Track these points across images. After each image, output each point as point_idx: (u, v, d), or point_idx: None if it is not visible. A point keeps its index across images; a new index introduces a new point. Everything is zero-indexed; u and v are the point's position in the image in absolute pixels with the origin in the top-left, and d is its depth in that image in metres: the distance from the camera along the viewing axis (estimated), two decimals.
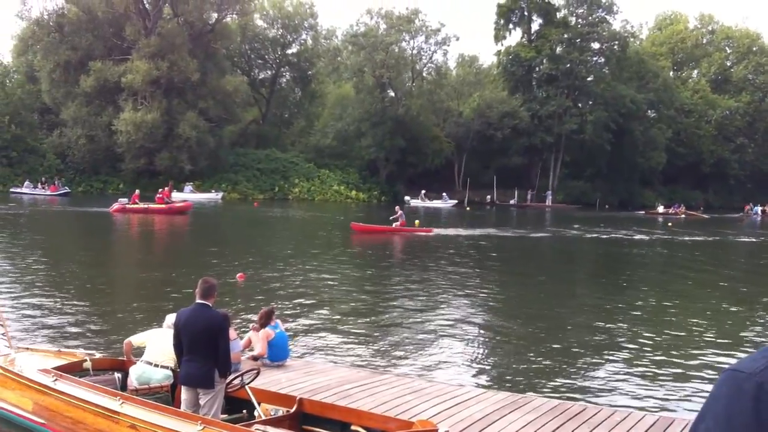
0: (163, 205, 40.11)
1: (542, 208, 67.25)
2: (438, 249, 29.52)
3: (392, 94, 69.01)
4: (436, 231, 36.02)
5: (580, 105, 75.20)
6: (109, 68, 55.84)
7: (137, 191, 42.27)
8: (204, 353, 7.23)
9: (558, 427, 7.63)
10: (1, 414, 8.37)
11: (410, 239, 32.77)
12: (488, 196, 68.73)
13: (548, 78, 72.83)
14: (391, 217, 35.30)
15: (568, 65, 72.33)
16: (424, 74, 71.86)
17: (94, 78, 55.38)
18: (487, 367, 12.06)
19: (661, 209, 64.62)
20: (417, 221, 41.05)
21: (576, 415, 8.09)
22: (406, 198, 63.02)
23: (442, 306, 16.83)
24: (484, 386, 10.16)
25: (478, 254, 29.04)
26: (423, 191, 62.90)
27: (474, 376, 11.23)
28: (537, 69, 73.71)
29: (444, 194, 63.21)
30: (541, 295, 19.50)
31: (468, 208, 59.40)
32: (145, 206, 39.62)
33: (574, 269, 27.22)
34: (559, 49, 73.25)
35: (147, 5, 59.81)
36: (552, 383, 10.81)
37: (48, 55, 58.03)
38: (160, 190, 43.79)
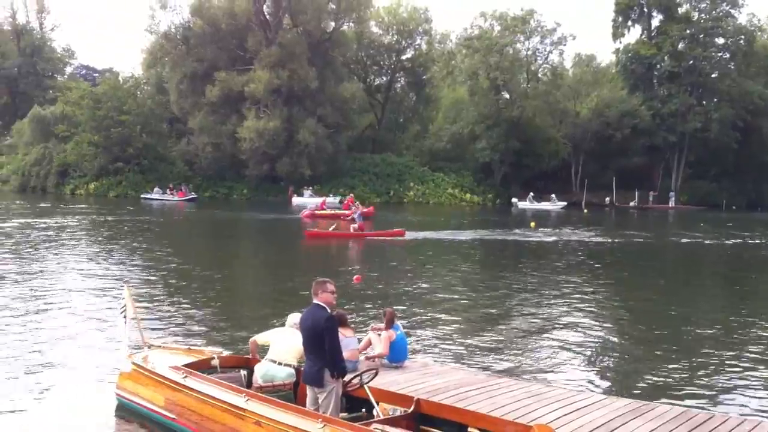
0: (348, 211, 41.85)
1: (665, 209, 64.79)
2: (550, 253, 29.00)
3: (507, 96, 68.29)
4: (547, 234, 35.27)
5: (704, 102, 72.12)
6: (233, 78, 57.98)
7: (325, 198, 46.03)
8: (314, 352, 7.42)
9: None
10: (135, 408, 8.86)
11: (381, 243, 30.54)
12: (607, 198, 66.87)
13: (670, 75, 70.23)
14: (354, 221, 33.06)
15: (691, 62, 69.53)
16: (540, 75, 70.76)
17: (219, 88, 57.64)
18: (610, 373, 11.76)
19: None
20: (533, 223, 40.58)
21: (702, 423, 7.79)
22: (513, 200, 62.29)
23: (560, 310, 16.53)
24: (605, 392, 9.92)
25: (597, 258, 28.31)
26: (531, 193, 61.97)
27: (595, 381, 10.98)
28: (658, 66, 71.22)
29: (552, 196, 61.98)
30: (663, 300, 18.83)
31: (586, 210, 58.02)
32: (332, 212, 42.46)
33: (699, 274, 26.10)
34: (681, 46, 70.50)
35: (268, 16, 61.74)
36: (677, 390, 10.44)
37: (175, 67, 60.91)
38: (348, 196, 47.43)
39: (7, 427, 8.38)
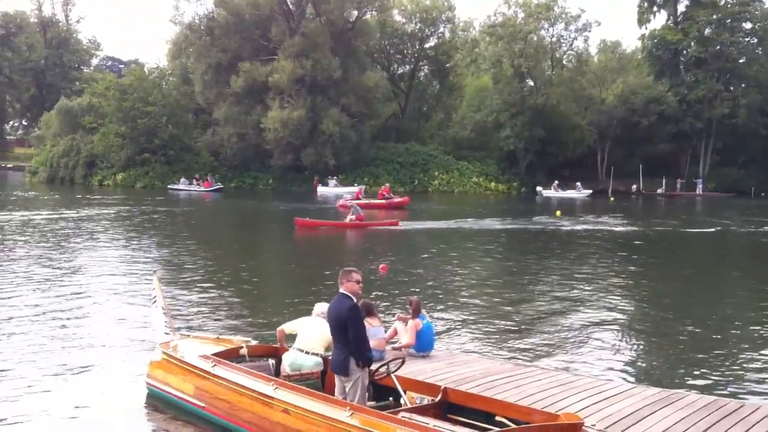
0: (383, 201, 42.21)
1: (692, 196, 64.11)
2: (576, 241, 28.85)
3: (531, 83, 67.79)
4: (571, 222, 35.04)
5: (731, 88, 71.06)
6: (257, 69, 58.11)
7: (361, 187, 46.05)
8: (340, 341, 7.50)
9: (712, 425, 7.33)
10: (165, 397, 8.98)
11: (374, 233, 30.02)
12: (633, 186, 66.25)
13: (696, 61, 69.30)
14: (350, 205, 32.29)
15: (718, 47, 68.50)
16: (565, 62, 70.15)
17: (243, 78, 57.81)
18: (638, 362, 11.71)
19: None
20: (558, 212, 40.35)
21: (732, 412, 7.74)
22: (538, 188, 61.86)
23: (587, 299, 16.46)
24: (634, 381, 9.89)
25: (623, 247, 28.10)
26: (556, 181, 61.51)
27: (623, 370, 10.94)
28: (684, 52, 70.28)
29: (578, 184, 61.46)
30: (692, 289, 18.69)
31: (612, 198, 57.54)
32: (368, 201, 42.37)
33: (728, 262, 25.81)
34: (707, 31, 69.47)
35: (291, 6, 61.73)
36: (707, 379, 10.38)
37: (200, 57, 61.17)
38: (385, 185, 47.03)
39: (40, 415, 8.53)
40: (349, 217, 31.29)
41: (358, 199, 42.75)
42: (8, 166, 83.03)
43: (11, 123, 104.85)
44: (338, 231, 30.39)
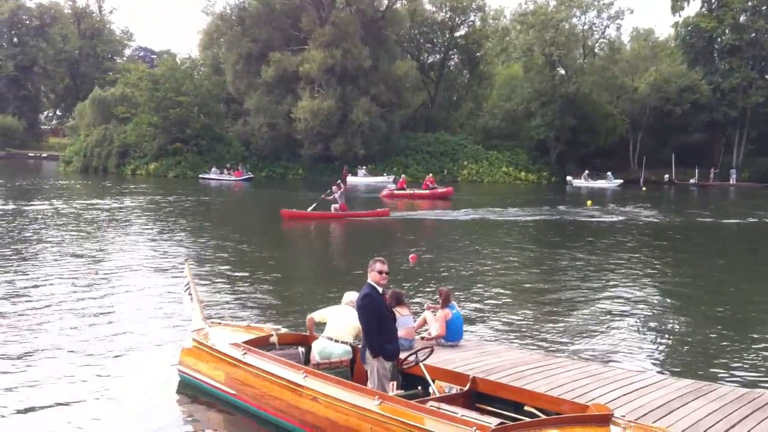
0: (427, 191, 42.02)
1: (726, 186, 63.18)
2: (607, 232, 28.60)
3: (563, 72, 67.13)
4: (605, 212, 34.68)
5: (766, 77, 69.72)
6: (288, 58, 58.26)
7: (403, 176, 45.69)
8: (362, 330, 7.68)
9: (745, 417, 7.26)
10: (196, 384, 9.09)
11: (353, 224, 29.27)
12: (666, 175, 65.43)
13: (731, 49, 68.09)
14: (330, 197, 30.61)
15: (753, 35, 67.23)
16: (596, 50, 69.31)
17: (274, 68, 58.00)
18: (669, 354, 11.61)
19: None
20: (589, 202, 40.01)
21: (765, 405, 7.66)
22: (568, 178, 61.30)
23: (618, 290, 16.34)
24: (665, 373, 9.81)
25: (655, 237, 27.82)
26: (586, 171, 60.89)
27: (654, 362, 10.86)
28: (719, 40, 69.05)
29: (609, 173, 60.78)
30: (724, 281, 18.45)
31: (644, 188, 56.90)
32: (411, 192, 42.22)
33: (761, 254, 25.41)
34: (742, 18, 68.21)
35: None
36: (739, 371, 10.27)
37: (231, 47, 61.44)
38: (429, 175, 46.77)
39: (75, 401, 8.69)
40: (333, 207, 30.27)
41: (402, 188, 42.54)
42: (43, 155, 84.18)
43: (46, 113, 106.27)
44: (324, 222, 29.56)
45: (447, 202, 39.57)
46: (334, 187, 30.57)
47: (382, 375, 7.55)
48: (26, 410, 8.34)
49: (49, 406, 8.43)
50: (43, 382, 9.24)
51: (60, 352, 10.49)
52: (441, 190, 42.91)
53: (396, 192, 41.89)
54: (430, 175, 47.70)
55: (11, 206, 31.28)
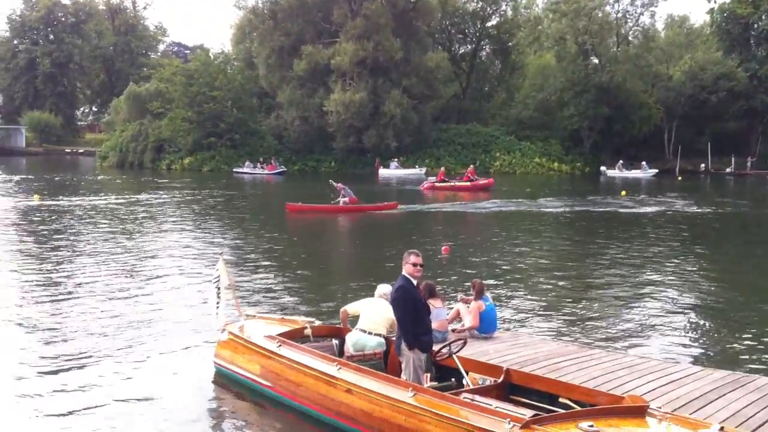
0: (468, 183, 41.96)
1: (762, 175, 62.04)
2: (642, 222, 28.29)
3: (596, 60, 66.41)
4: (637, 204, 34.23)
5: None
6: (319, 52, 58.44)
7: (443, 168, 45.57)
8: (397, 322, 7.71)
9: None
10: (232, 376, 9.19)
11: (374, 217, 28.97)
12: (702, 165, 64.45)
13: None
14: (338, 199, 30.32)
15: None
16: (630, 38, 68.46)
17: (306, 62, 58.20)
18: (706, 345, 11.48)
19: None
20: (624, 192, 39.60)
21: None
22: (602, 168, 60.62)
23: (653, 281, 16.17)
24: (702, 364, 9.70)
25: (691, 227, 27.45)
26: (620, 161, 60.07)
27: (691, 353, 10.74)
28: (755, 26, 67.71)
29: (643, 163, 59.95)
30: (762, 271, 18.16)
31: (679, 178, 56.13)
32: (452, 183, 42.21)
33: None
34: None
35: None
36: None
37: (263, 41, 61.77)
38: (470, 167, 46.47)
39: (113, 392, 8.84)
40: (342, 200, 30.05)
41: (442, 180, 42.36)
42: (79, 151, 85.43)
43: (82, 109, 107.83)
44: (332, 216, 29.23)
45: (488, 193, 39.41)
46: (338, 188, 30.42)
47: (418, 366, 7.58)
48: (63, 399, 8.52)
49: (86, 398, 8.59)
50: (81, 374, 9.41)
51: (97, 344, 10.67)
52: (482, 181, 42.75)
53: (438, 184, 41.66)
54: (472, 166, 47.34)
55: (51, 202, 31.83)
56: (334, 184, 31.01)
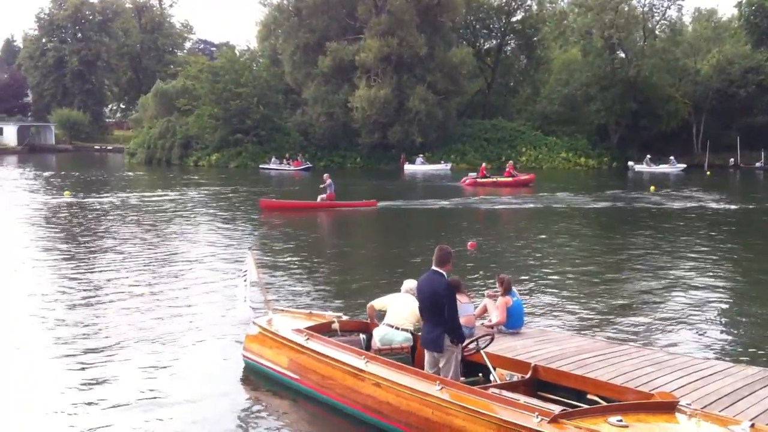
0: (510, 179, 41.66)
1: None
2: (670, 217, 28.02)
3: (622, 55, 65.80)
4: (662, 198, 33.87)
5: None
6: (344, 48, 58.48)
7: (483, 164, 45.06)
8: (433, 318, 7.61)
9: None
10: (260, 369, 9.28)
11: (352, 215, 28.50)
12: (731, 159, 63.62)
13: None
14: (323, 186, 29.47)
15: None
16: (657, 32, 67.65)
17: (331, 58, 58.27)
18: (736, 342, 11.36)
19: None
20: (652, 187, 39.24)
21: None
22: (630, 163, 59.98)
23: (682, 277, 16.03)
24: (733, 361, 9.61)
25: (721, 223, 27.14)
26: (648, 156, 59.35)
27: (721, 350, 10.65)
28: None
29: (671, 158, 59.19)
30: None
31: (708, 173, 55.51)
32: (494, 179, 41.79)
33: None
34: None
35: None
36: None
37: (288, 38, 61.93)
38: (509, 162, 46.10)
39: (143, 385, 8.96)
40: (320, 197, 29.41)
41: (484, 176, 42.02)
42: (108, 148, 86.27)
43: (110, 106, 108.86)
44: (311, 213, 28.62)
45: (529, 188, 39.19)
46: (327, 181, 29.61)
47: (459, 362, 7.62)
48: (95, 392, 8.65)
49: (117, 393, 8.71)
50: (112, 368, 9.54)
51: (128, 339, 10.80)
52: (524, 177, 42.32)
53: (479, 180, 41.40)
54: (511, 162, 46.80)
55: (80, 199, 32.22)
56: (326, 177, 30.04)
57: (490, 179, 41.58)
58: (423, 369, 7.78)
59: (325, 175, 30.24)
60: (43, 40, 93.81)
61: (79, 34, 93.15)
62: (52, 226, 23.90)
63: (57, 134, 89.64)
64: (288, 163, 55.82)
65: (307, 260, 17.94)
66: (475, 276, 15.36)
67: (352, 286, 15.09)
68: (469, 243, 19.23)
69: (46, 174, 49.08)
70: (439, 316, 7.53)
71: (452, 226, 25.26)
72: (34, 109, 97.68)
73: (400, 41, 57.27)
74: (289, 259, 18.04)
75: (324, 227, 25.74)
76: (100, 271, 15.93)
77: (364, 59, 57.07)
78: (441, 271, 7.64)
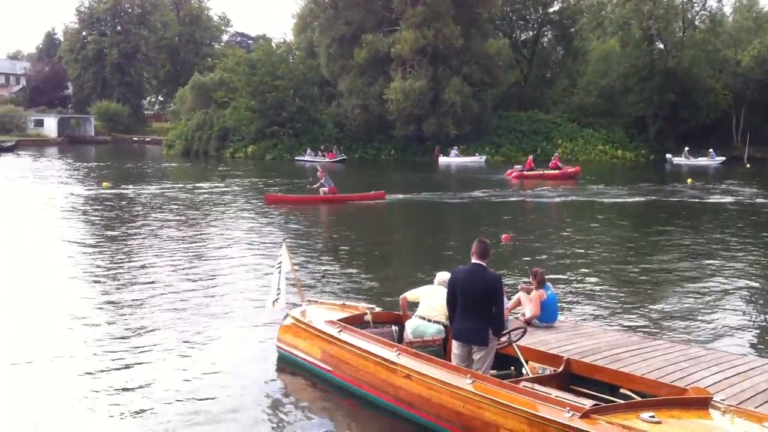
0: (556, 171, 41.41)
1: None
2: (708, 211, 27.61)
3: (661, 46, 64.87)
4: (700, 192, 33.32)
5: None
6: (380, 40, 58.44)
7: (531, 157, 44.68)
8: (480, 312, 7.49)
9: None
10: (294, 360, 9.37)
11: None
12: None
13: None
14: (316, 185, 29.02)
15: None
16: (697, 23, 66.57)
17: (366, 50, 58.29)
18: None
19: None
20: (690, 180, 38.67)
21: None
22: (668, 155, 59.08)
23: (720, 272, 15.80)
24: None
25: (760, 217, 26.67)
26: (686, 148, 58.33)
27: (757, 345, 10.51)
28: None
29: (710, 150, 58.14)
30: None
31: (748, 165, 54.49)
32: (541, 172, 41.53)
33: None
34: None
35: None
36: None
37: (325, 30, 62.06)
38: (555, 154, 45.96)
39: (179, 376, 9.11)
40: (322, 190, 28.94)
41: (531, 168, 41.62)
42: (146, 139, 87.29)
43: (148, 98, 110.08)
44: (314, 205, 28.29)
45: (575, 181, 38.87)
46: (318, 173, 29.45)
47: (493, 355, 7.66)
48: (128, 381, 8.82)
49: (153, 384, 8.86)
50: (148, 359, 9.70)
51: (163, 331, 10.97)
52: (570, 169, 41.87)
53: (526, 173, 41.09)
54: (556, 154, 46.57)
55: (120, 190, 32.71)
56: (319, 171, 29.80)
57: (537, 171, 41.15)
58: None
59: (319, 172, 29.74)
60: (83, 33, 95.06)
61: (119, 27, 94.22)
62: (91, 216, 24.32)
63: (96, 126, 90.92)
64: (323, 155, 56.00)
65: (341, 251, 18.02)
66: (510, 269, 15.31)
67: (386, 277, 15.14)
68: (503, 236, 19.17)
69: (86, 165, 49.88)
70: (487, 309, 7.46)
71: (490, 218, 25.19)
72: (74, 101, 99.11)
73: (436, 33, 57.06)
74: (323, 250, 18.16)
75: (360, 219, 25.80)
76: (136, 260, 16.18)
77: (399, 51, 56.99)
78: (484, 264, 7.61)
